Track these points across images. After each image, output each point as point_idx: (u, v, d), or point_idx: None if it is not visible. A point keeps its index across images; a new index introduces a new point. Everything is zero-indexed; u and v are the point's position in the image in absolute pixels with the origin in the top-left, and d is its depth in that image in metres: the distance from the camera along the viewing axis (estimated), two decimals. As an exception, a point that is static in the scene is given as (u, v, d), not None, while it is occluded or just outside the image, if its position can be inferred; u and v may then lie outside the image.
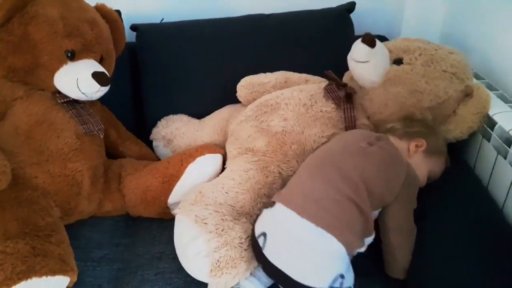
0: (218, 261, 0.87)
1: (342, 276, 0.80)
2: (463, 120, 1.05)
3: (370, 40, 1.07)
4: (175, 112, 1.35)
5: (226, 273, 0.87)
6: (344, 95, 1.11)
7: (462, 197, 0.98)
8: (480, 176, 1.05)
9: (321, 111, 1.12)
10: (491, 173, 1.01)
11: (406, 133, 1.02)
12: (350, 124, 1.10)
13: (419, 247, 0.90)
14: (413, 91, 1.07)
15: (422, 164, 0.99)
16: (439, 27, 1.47)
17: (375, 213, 0.92)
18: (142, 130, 1.36)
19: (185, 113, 1.35)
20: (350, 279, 0.83)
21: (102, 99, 1.24)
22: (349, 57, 1.14)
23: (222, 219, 0.92)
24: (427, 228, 0.92)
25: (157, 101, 1.36)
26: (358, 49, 1.09)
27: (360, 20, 1.46)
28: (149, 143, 1.33)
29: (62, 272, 0.85)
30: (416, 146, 0.99)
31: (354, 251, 0.86)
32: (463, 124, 1.06)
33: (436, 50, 1.10)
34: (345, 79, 1.21)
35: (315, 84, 1.21)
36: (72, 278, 0.88)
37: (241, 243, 0.90)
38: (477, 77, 1.20)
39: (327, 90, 1.14)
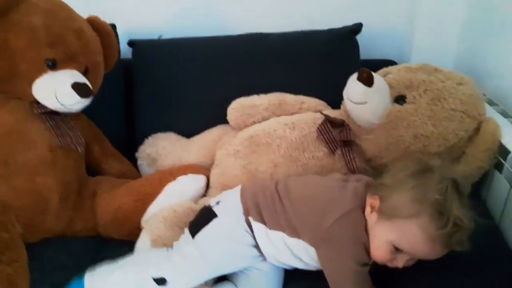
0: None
1: None
2: (471, 160, 0.93)
3: (367, 79, 0.96)
4: (167, 130, 1.29)
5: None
6: (340, 140, 1.02)
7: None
8: (492, 210, 0.93)
9: (313, 157, 1.04)
10: (504, 208, 0.88)
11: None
12: (352, 167, 1.01)
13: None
14: (418, 135, 0.95)
15: (375, 231, 0.79)
16: (453, 50, 1.38)
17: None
18: (132, 147, 1.30)
19: (178, 132, 1.28)
20: None
21: (93, 114, 1.21)
22: (344, 95, 1.04)
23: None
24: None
25: (149, 118, 1.31)
26: (354, 89, 0.99)
27: (367, 42, 1.37)
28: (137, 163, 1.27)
29: (8, 295, 0.77)
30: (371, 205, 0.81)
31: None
32: (472, 164, 0.93)
33: (443, 82, 0.97)
34: (343, 110, 1.10)
35: (309, 115, 1.12)
36: (22, 303, 0.80)
37: None
38: (491, 103, 1.08)
39: (320, 131, 1.04)
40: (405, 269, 0.78)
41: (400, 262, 0.78)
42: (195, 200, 1.05)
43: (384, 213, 0.78)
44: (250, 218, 0.87)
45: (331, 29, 1.34)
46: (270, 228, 0.86)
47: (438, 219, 0.72)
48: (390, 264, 0.79)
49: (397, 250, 0.77)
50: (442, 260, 0.76)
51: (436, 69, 1.03)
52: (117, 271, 0.86)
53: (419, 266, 0.79)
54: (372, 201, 0.81)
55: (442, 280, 0.77)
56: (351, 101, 1.01)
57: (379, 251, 0.78)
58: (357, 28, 1.32)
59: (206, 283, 0.88)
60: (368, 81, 0.96)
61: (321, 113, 1.07)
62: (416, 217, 0.73)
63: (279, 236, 0.85)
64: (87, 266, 0.98)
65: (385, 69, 1.10)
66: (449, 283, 0.77)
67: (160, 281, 0.83)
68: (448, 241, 0.73)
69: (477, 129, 0.94)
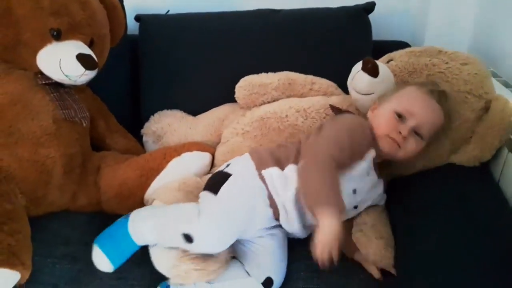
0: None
1: None
2: (481, 139, 0.91)
3: (372, 69, 0.96)
4: (173, 107, 1.27)
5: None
6: None
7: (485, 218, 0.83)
8: (506, 192, 0.90)
9: None
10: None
11: None
12: None
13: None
14: None
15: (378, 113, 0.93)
16: (468, 32, 1.33)
17: None
18: (138, 124, 1.28)
19: (183, 109, 1.26)
20: None
21: (98, 89, 1.20)
22: (349, 85, 1.04)
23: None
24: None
25: (155, 95, 1.28)
26: (360, 80, 0.99)
27: (380, 22, 1.34)
28: (142, 140, 1.25)
29: (9, 265, 0.76)
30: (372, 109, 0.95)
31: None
32: (482, 143, 0.91)
33: (446, 63, 0.96)
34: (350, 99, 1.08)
35: (320, 101, 1.10)
36: (23, 274, 0.79)
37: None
38: (507, 85, 1.05)
39: None
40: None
41: (404, 130, 0.86)
42: (199, 177, 1.03)
43: (384, 100, 0.92)
44: (263, 171, 0.89)
45: (343, 7, 1.30)
46: (284, 167, 0.89)
47: (429, 83, 0.92)
48: (396, 137, 0.86)
49: (400, 118, 0.87)
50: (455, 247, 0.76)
51: (440, 51, 1.02)
52: (154, 220, 0.87)
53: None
54: (372, 107, 0.94)
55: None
56: (356, 91, 1.00)
57: (384, 120, 0.89)
58: (370, 6, 1.28)
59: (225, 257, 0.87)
60: (373, 72, 0.96)
61: (330, 106, 1.05)
62: (411, 84, 0.93)
63: (293, 169, 0.88)
64: (91, 241, 0.97)
65: (388, 55, 1.09)
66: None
67: (188, 238, 0.82)
68: (440, 98, 0.89)
69: (487, 109, 0.92)
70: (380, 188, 0.94)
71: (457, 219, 0.81)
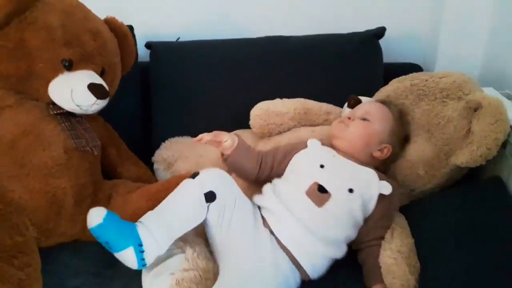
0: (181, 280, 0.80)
1: None
2: (483, 135, 0.90)
3: (354, 104, 1.09)
4: (184, 133, 1.27)
5: None
6: None
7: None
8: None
9: None
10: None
11: None
12: None
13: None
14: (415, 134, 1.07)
15: None
16: (479, 55, 1.33)
17: None
18: (148, 151, 1.27)
19: (195, 136, 1.23)
20: None
21: (109, 117, 1.20)
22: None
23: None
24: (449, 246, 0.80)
25: (166, 121, 1.29)
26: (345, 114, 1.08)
27: (391, 47, 1.35)
28: (153, 166, 1.25)
29: (19, 301, 0.74)
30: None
31: None
32: (485, 139, 0.90)
33: (426, 81, 1.05)
34: None
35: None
36: (33, 309, 0.77)
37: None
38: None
39: None
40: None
41: (350, 114, 1.04)
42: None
43: None
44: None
45: (353, 33, 1.30)
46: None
47: None
48: (344, 119, 1.04)
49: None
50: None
51: (424, 74, 1.10)
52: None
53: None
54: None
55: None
56: None
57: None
58: (380, 32, 1.29)
59: None
60: (355, 106, 1.08)
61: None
62: None
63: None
64: (101, 272, 0.95)
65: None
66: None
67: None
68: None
69: (474, 108, 0.93)
70: (369, 176, 0.95)
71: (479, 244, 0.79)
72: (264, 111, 1.10)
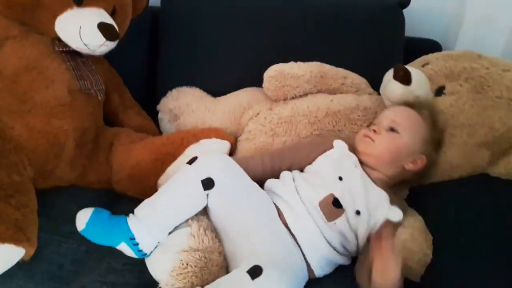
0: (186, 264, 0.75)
1: None
2: None
3: (404, 77, 0.93)
4: (192, 85, 1.20)
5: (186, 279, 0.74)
6: None
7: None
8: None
9: None
10: None
11: None
12: None
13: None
14: (458, 125, 0.91)
15: None
16: (502, 41, 1.28)
17: None
18: (153, 101, 1.22)
19: (203, 88, 1.20)
20: None
21: (114, 62, 1.14)
22: (382, 94, 1.02)
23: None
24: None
25: (174, 70, 1.23)
26: (392, 90, 0.96)
27: (413, 18, 1.28)
28: (156, 117, 1.20)
29: (14, 241, 0.72)
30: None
31: None
32: None
33: (487, 69, 0.92)
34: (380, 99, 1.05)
35: (353, 99, 1.06)
36: (28, 251, 0.75)
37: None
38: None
39: None
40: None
41: (375, 126, 0.92)
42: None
43: None
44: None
45: (378, 0, 1.24)
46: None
47: None
48: (369, 132, 0.92)
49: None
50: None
51: (479, 56, 0.98)
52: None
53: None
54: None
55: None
56: (390, 101, 0.98)
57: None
58: (405, 1, 1.23)
59: None
60: (405, 80, 0.94)
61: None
62: None
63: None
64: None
65: (423, 58, 1.05)
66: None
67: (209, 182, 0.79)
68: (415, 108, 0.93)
69: None
70: (381, 198, 0.87)
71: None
72: (279, 73, 1.05)
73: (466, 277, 0.75)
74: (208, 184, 0.80)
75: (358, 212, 0.84)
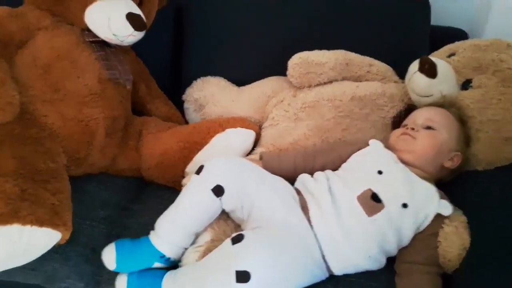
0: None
1: None
2: None
3: (429, 70, 0.91)
4: (216, 74, 1.22)
5: None
6: None
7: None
8: None
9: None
10: None
11: None
12: None
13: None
14: (484, 121, 0.89)
15: None
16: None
17: None
18: (177, 91, 1.24)
19: (227, 78, 1.21)
20: None
21: (139, 52, 1.16)
22: (407, 85, 0.99)
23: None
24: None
25: (197, 61, 1.24)
26: (417, 82, 0.94)
27: (439, 7, 1.27)
28: (181, 106, 1.22)
29: (52, 225, 0.74)
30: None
31: None
32: None
33: None
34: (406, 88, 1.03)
35: (378, 86, 1.04)
36: (64, 235, 0.77)
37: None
38: None
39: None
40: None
41: (411, 124, 0.92)
42: (241, 155, 1.00)
43: None
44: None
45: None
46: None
47: None
48: (406, 130, 0.91)
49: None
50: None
51: (509, 45, 0.94)
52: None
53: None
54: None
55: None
56: (415, 93, 0.96)
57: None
58: (431, -12, 1.21)
59: None
60: (431, 73, 0.92)
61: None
62: None
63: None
64: (128, 206, 0.96)
65: (450, 47, 1.02)
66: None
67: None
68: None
69: None
70: (430, 192, 0.85)
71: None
72: (303, 60, 1.04)
73: (497, 270, 0.74)
74: (218, 191, 0.80)
75: (405, 205, 0.81)
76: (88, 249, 0.84)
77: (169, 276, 0.76)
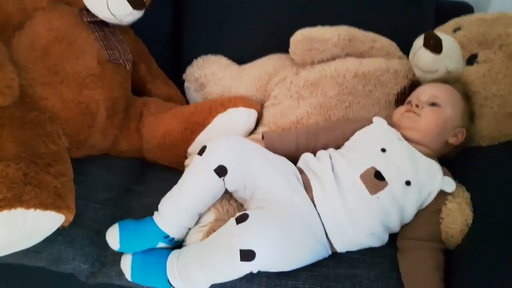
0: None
1: None
2: None
3: (434, 45, 0.89)
4: (217, 53, 1.20)
5: None
6: None
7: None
8: None
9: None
10: None
11: None
12: None
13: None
14: (490, 96, 0.87)
15: None
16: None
17: None
18: (177, 70, 1.22)
19: (228, 56, 1.19)
20: None
21: (138, 31, 1.14)
22: (411, 61, 0.97)
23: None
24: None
25: (198, 39, 1.22)
26: (422, 58, 0.92)
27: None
28: (182, 86, 1.21)
29: (55, 208, 0.74)
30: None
31: None
32: None
33: None
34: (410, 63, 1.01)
35: (382, 62, 1.02)
36: (67, 217, 0.77)
37: None
38: None
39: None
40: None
41: (415, 101, 0.91)
42: (243, 135, 0.99)
43: None
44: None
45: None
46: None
47: None
48: (410, 107, 0.90)
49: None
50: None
51: None
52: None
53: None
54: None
55: None
56: (419, 69, 0.95)
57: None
58: (436, -38, 1.17)
59: None
60: (436, 48, 0.90)
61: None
62: None
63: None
64: (131, 188, 0.96)
65: (455, 21, 1.00)
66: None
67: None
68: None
69: None
70: (433, 169, 0.84)
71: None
72: (305, 37, 1.02)
73: (498, 246, 0.74)
74: (221, 171, 0.80)
75: (408, 183, 0.81)
76: (92, 231, 0.85)
77: (174, 255, 0.77)
